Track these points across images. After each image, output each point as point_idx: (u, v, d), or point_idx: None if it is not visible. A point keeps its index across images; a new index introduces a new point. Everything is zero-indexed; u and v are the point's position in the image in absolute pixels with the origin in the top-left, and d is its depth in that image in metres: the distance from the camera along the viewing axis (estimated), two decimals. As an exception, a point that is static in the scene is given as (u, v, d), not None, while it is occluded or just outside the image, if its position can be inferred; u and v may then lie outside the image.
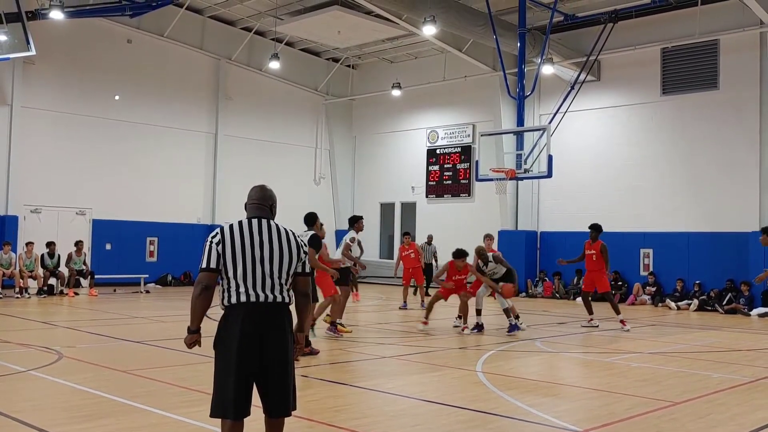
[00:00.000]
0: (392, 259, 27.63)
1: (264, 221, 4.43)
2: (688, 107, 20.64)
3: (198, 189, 24.93)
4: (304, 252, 4.50)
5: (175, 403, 6.78)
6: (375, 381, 8.36)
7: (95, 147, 22.38)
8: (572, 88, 19.90)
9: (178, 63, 24.34)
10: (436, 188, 26.33)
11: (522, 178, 18.74)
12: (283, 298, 4.34)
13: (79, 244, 19.83)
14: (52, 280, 19.39)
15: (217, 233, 4.35)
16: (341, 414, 6.52)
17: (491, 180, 18.50)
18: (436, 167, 26.35)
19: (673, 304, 19.10)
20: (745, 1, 17.45)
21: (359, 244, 13.65)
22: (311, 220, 11.40)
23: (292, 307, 4.45)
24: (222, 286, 4.35)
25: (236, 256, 4.28)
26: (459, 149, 25.73)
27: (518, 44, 18.51)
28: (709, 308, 18.49)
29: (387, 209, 28.23)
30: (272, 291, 4.29)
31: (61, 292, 19.22)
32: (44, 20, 18.53)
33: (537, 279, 22.88)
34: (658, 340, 12.68)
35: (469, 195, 25.21)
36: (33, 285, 19.09)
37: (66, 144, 21.82)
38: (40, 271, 19.18)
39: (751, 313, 17.63)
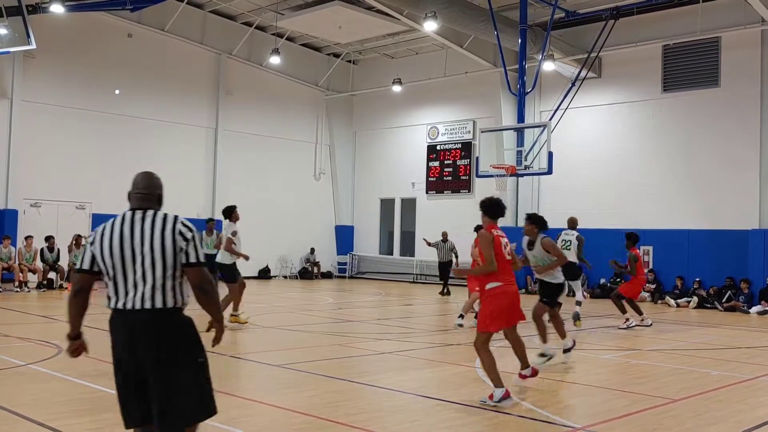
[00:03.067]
0: (392, 255, 27.71)
1: (144, 213, 3.99)
2: (688, 104, 20.63)
3: (198, 183, 24.90)
4: (185, 240, 3.94)
5: (174, 397, 6.77)
6: (373, 376, 8.37)
7: (95, 141, 22.36)
8: (573, 84, 19.87)
9: (179, 57, 24.30)
10: (437, 184, 26.31)
11: (522, 175, 18.75)
12: (164, 301, 3.85)
13: (78, 238, 19.86)
14: (52, 274, 19.40)
15: (93, 232, 4.01)
16: (340, 409, 6.52)
17: (491, 176, 18.50)
18: (437, 163, 26.34)
19: (672, 302, 19.10)
20: (746, -1, 17.42)
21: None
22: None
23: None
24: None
25: (105, 257, 3.91)
26: (459, 145, 25.71)
27: (519, 40, 18.47)
28: (709, 306, 18.50)
29: (387, 205, 28.22)
30: (144, 296, 3.83)
31: (61, 286, 19.23)
32: (45, 14, 18.53)
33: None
34: (657, 338, 12.68)
35: (469, 191, 25.20)
36: (33, 279, 19.10)
37: (66, 138, 21.79)
38: (40, 265, 19.19)
39: (750, 310, 17.64)
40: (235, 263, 12.25)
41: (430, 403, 6.96)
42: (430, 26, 19.37)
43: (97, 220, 22.42)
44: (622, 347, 11.11)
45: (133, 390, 3.87)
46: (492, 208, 7.59)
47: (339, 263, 28.82)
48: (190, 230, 4.02)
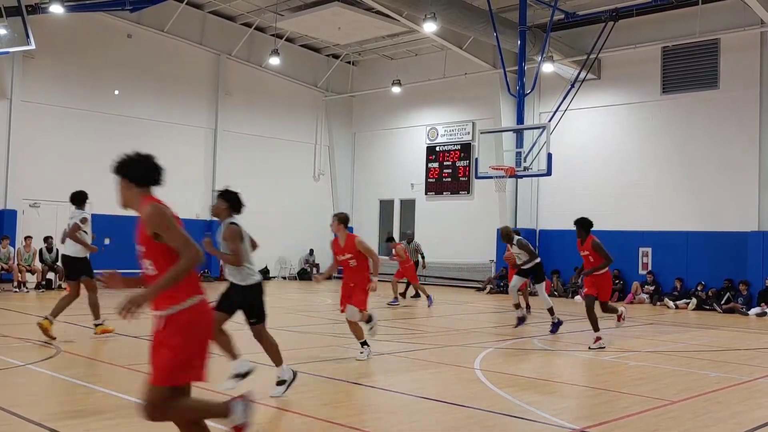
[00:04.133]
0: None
1: None
2: (688, 106, 20.65)
3: (197, 184, 24.90)
4: None
5: (173, 398, 6.75)
6: (373, 378, 8.37)
7: (94, 142, 22.34)
8: (572, 86, 19.90)
9: (178, 58, 24.31)
10: (436, 185, 26.32)
11: (521, 176, 18.77)
12: None
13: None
14: (51, 275, 19.40)
15: None
16: (339, 410, 6.52)
17: (491, 177, 18.52)
18: (436, 164, 26.34)
19: (671, 303, 19.11)
20: (745, 1, 17.44)
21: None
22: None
23: None
24: None
25: None
26: (459, 146, 25.71)
27: (519, 42, 18.50)
28: (707, 307, 18.51)
29: (386, 206, 28.21)
30: None
31: (60, 287, 19.22)
32: (44, 14, 18.53)
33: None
34: (655, 339, 12.69)
35: (468, 192, 25.20)
36: (31, 279, 19.10)
37: (65, 138, 21.79)
38: (39, 265, 19.20)
39: (748, 312, 17.65)
40: (87, 257, 10.95)
41: (429, 404, 6.96)
42: (429, 27, 19.37)
43: (96, 220, 22.35)
44: (620, 348, 11.10)
45: None
46: (149, 168, 4.40)
47: (338, 264, 28.80)
48: None
